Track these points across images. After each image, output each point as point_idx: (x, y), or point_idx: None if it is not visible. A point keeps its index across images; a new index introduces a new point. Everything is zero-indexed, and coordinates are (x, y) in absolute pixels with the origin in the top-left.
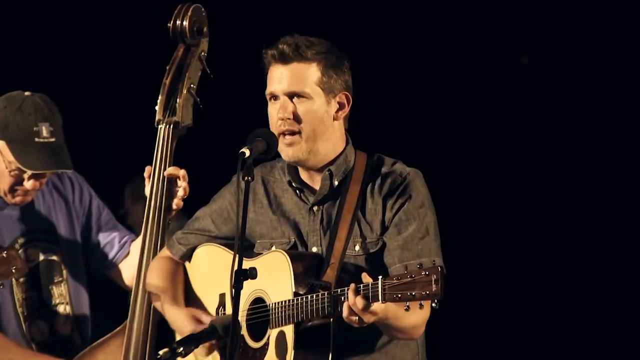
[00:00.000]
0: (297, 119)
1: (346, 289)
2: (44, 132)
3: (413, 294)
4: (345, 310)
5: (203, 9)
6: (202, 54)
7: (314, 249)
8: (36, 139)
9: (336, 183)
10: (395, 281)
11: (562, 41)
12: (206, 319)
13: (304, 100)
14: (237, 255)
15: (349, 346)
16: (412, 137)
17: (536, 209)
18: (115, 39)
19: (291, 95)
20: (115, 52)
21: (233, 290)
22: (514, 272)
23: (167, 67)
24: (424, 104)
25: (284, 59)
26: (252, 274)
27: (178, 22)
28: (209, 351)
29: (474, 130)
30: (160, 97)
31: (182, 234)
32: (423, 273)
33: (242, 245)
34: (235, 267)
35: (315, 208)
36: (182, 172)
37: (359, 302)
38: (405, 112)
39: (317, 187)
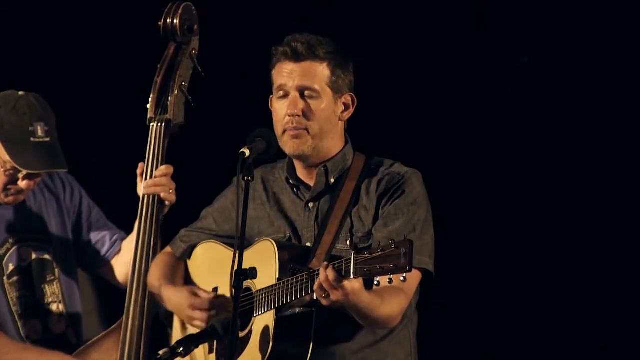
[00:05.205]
0: (306, 116)
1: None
2: (39, 132)
3: (383, 267)
4: (315, 285)
5: (194, 7)
6: (193, 52)
7: (307, 245)
8: (32, 139)
9: (332, 180)
10: (366, 255)
11: (562, 41)
12: (203, 295)
13: (314, 99)
14: (237, 256)
15: (338, 341)
16: (410, 137)
17: (536, 210)
18: (106, 38)
19: (302, 92)
20: (106, 51)
21: (233, 290)
22: (509, 273)
23: (159, 66)
24: (423, 104)
25: (297, 57)
26: (252, 274)
27: (169, 20)
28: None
29: (473, 130)
30: (151, 96)
31: (185, 231)
32: (393, 246)
33: (243, 246)
34: (236, 267)
35: (310, 204)
36: (163, 170)
37: (330, 274)
38: (403, 113)
39: (313, 184)
